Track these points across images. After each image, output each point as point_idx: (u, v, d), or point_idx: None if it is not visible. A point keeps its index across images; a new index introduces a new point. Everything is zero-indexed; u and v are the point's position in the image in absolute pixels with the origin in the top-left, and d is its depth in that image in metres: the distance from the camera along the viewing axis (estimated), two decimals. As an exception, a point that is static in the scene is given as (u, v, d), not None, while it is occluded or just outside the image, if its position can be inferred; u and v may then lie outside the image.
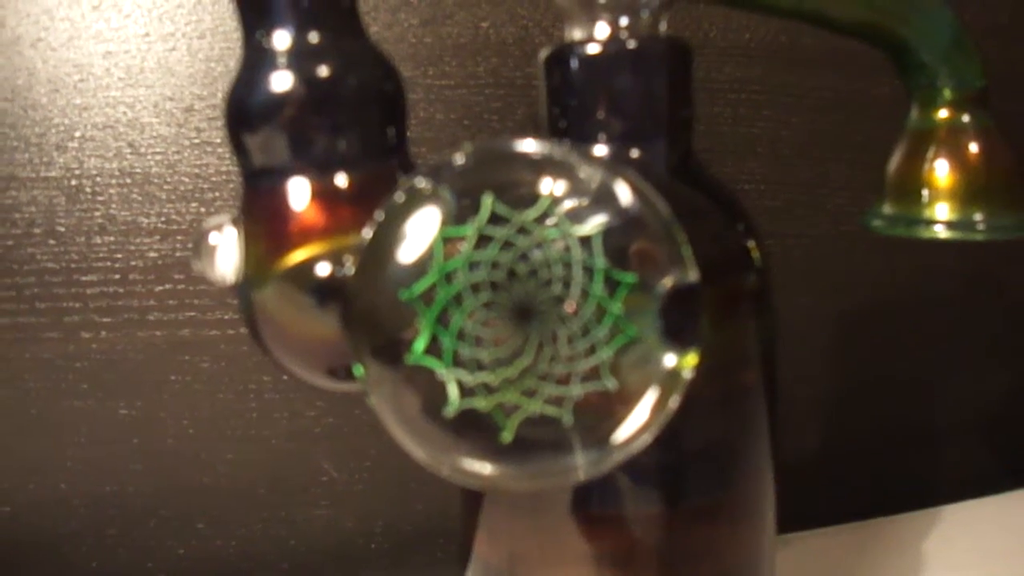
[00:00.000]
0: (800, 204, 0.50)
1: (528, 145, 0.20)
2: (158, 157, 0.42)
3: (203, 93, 0.42)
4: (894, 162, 0.31)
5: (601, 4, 0.25)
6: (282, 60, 0.21)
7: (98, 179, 0.41)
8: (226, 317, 0.43)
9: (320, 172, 0.22)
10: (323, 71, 0.21)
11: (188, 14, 0.41)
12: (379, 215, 0.20)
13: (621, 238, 0.19)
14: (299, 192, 0.22)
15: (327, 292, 0.21)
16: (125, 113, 0.41)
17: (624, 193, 0.20)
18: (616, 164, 0.20)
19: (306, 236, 0.22)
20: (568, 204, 0.19)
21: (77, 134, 0.41)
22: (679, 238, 0.20)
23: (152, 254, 0.42)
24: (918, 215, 0.30)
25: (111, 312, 0.42)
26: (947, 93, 0.29)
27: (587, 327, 0.19)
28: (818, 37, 0.48)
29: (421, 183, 0.20)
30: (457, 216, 0.19)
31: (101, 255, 0.42)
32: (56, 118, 0.40)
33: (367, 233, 0.20)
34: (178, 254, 0.42)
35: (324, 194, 0.22)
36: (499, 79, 0.45)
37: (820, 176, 0.49)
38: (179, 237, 0.42)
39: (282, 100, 0.21)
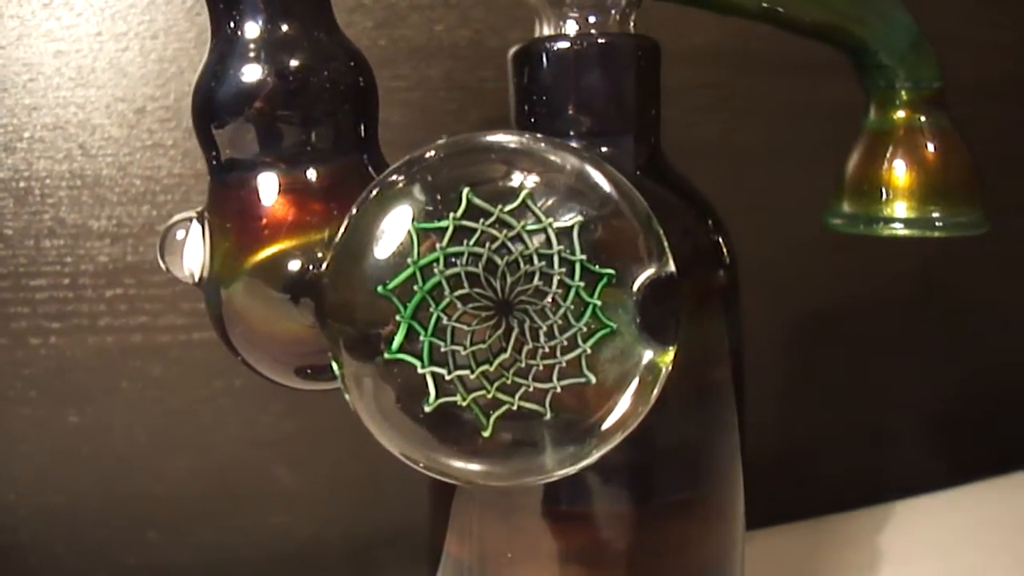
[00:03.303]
0: (753, 208, 0.50)
1: (502, 137, 0.20)
2: (109, 159, 0.41)
3: (156, 94, 0.41)
4: (852, 162, 0.31)
5: (569, 2, 0.25)
6: (252, 51, 0.21)
7: (47, 181, 0.40)
8: (178, 322, 0.43)
9: (290, 166, 0.22)
10: (294, 63, 0.21)
11: (141, 13, 0.40)
12: (353, 210, 0.20)
13: (599, 230, 0.19)
14: (268, 186, 0.21)
15: (298, 288, 0.21)
16: (76, 114, 0.40)
17: (602, 184, 0.19)
18: (592, 154, 0.20)
19: (275, 231, 0.21)
20: (545, 196, 0.19)
21: (26, 135, 0.40)
22: (657, 230, 0.20)
23: (103, 258, 0.41)
24: (877, 213, 0.30)
25: (60, 317, 0.41)
26: (905, 94, 0.30)
27: (567, 321, 0.19)
28: (769, 41, 0.49)
29: (394, 177, 0.20)
30: (433, 210, 0.19)
31: (50, 259, 0.41)
32: (4, 118, 0.39)
33: (342, 228, 0.20)
34: (129, 258, 0.41)
35: (294, 188, 0.22)
36: (453, 82, 0.45)
37: (772, 180, 0.50)
38: (130, 240, 0.41)
39: (252, 92, 0.21)
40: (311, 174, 0.22)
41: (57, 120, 0.40)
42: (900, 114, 0.30)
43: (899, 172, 0.30)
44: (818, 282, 0.52)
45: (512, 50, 0.25)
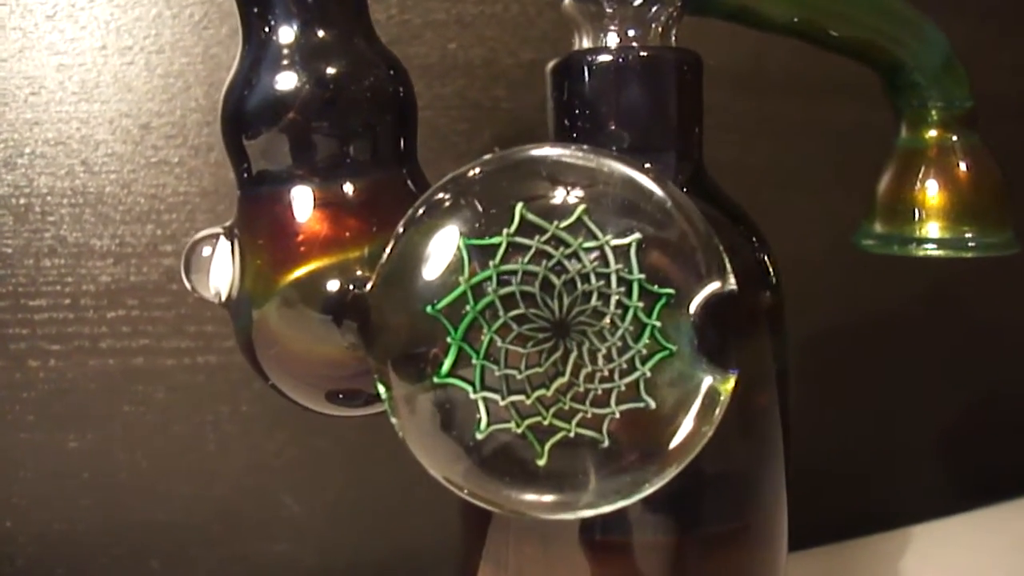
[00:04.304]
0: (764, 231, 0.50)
1: (551, 150, 0.19)
2: (112, 176, 0.40)
3: (161, 110, 0.40)
4: (884, 181, 0.31)
5: (609, 14, 0.24)
6: (287, 57, 0.20)
7: (48, 198, 0.39)
8: (182, 345, 0.41)
9: (325, 179, 0.21)
10: (331, 70, 0.20)
11: (147, 27, 0.39)
12: (400, 229, 0.19)
13: (657, 247, 0.18)
14: (303, 201, 0.20)
15: (339, 308, 0.20)
16: (78, 129, 0.39)
17: (659, 197, 0.19)
18: (646, 167, 0.19)
19: (311, 248, 0.20)
20: (600, 211, 0.18)
21: (27, 150, 0.39)
22: (717, 245, 0.19)
23: (105, 278, 0.40)
24: (911, 234, 0.30)
25: (60, 339, 0.40)
26: (937, 113, 0.29)
27: (625, 343, 0.18)
28: (782, 63, 0.48)
29: (441, 195, 0.19)
30: (483, 227, 0.18)
31: (51, 279, 0.39)
32: (5, 133, 0.38)
33: (388, 247, 0.18)
34: (132, 278, 0.40)
35: (330, 203, 0.20)
36: (465, 101, 0.44)
37: (782, 202, 0.49)
38: (133, 260, 0.40)
39: (286, 100, 0.20)
40: (348, 188, 0.21)
41: (59, 135, 0.39)
42: (932, 133, 0.30)
43: (932, 192, 0.29)
44: (828, 304, 0.52)
45: (551, 63, 0.25)
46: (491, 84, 0.44)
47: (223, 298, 0.21)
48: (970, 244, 0.29)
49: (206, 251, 0.21)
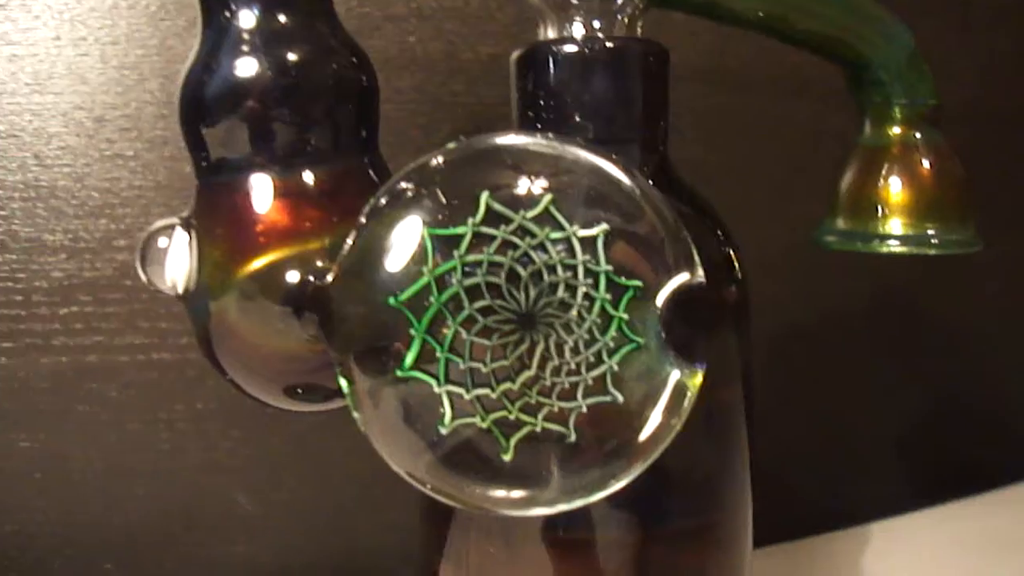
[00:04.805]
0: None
1: (516, 139, 0.19)
2: (66, 170, 0.39)
3: (115, 102, 0.39)
4: (846, 178, 0.31)
5: (575, 5, 0.24)
6: (247, 43, 0.19)
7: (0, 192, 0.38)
8: (137, 341, 0.40)
9: (285, 168, 0.20)
10: (293, 56, 0.20)
11: (101, 18, 0.38)
12: (362, 219, 0.18)
13: (624, 238, 0.18)
14: (262, 190, 0.20)
15: (300, 300, 0.19)
16: (31, 122, 0.38)
17: (626, 187, 0.18)
18: (613, 155, 0.19)
19: (270, 239, 0.20)
20: (567, 201, 0.18)
21: (-23, 143, 0.38)
22: (685, 236, 0.18)
23: (57, 274, 0.39)
24: (873, 230, 0.30)
25: (12, 336, 0.39)
26: (901, 110, 0.30)
27: (592, 335, 0.18)
28: (742, 60, 0.49)
29: (404, 184, 0.18)
30: (447, 217, 0.18)
31: (2, 275, 0.38)
32: (-46, 125, 0.37)
33: (350, 238, 0.18)
34: (86, 274, 0.39)
35: (290, 193, 0.20)
36: (424, 95, 0.43)
37: (741, 200, 0.49)
38: (87, 256, 0.39)
39: (247, 87, 0.19)
40: (308, 177, 0.20)
41: (11, 128, 0.38)
42: (896, 130, 0.30)
43: (895, 189, 0.29)
44: (786, 303, 0.52)
45: (516, 54, 0.24)
46: (450, 78, 0.43)
47: (180, 291, 0.21)
48: (933, 241, 0.29)
49: (162, 242, 0.21)
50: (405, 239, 0.18)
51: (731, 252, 0.25)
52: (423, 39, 0.43)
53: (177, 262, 0.21)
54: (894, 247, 0.29)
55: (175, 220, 0.21)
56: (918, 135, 0.29)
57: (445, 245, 0.18)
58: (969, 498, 0.52)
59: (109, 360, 0.40)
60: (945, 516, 0.50)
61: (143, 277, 0.21)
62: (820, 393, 0.54)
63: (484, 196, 0.18)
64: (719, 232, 0.25)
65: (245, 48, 0.19)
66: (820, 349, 0.54)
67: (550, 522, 0.23)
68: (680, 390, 0.18)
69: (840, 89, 0.30)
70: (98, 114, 0.39)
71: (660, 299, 0.18)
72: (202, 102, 0.20)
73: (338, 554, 0.45)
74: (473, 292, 0.18)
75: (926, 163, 0.29)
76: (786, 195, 0.48)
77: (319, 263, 0.19)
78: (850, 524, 0.50)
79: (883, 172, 0.30)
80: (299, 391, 0.21)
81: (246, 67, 0.19)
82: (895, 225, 0.29)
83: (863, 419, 0.56)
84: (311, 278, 0.19)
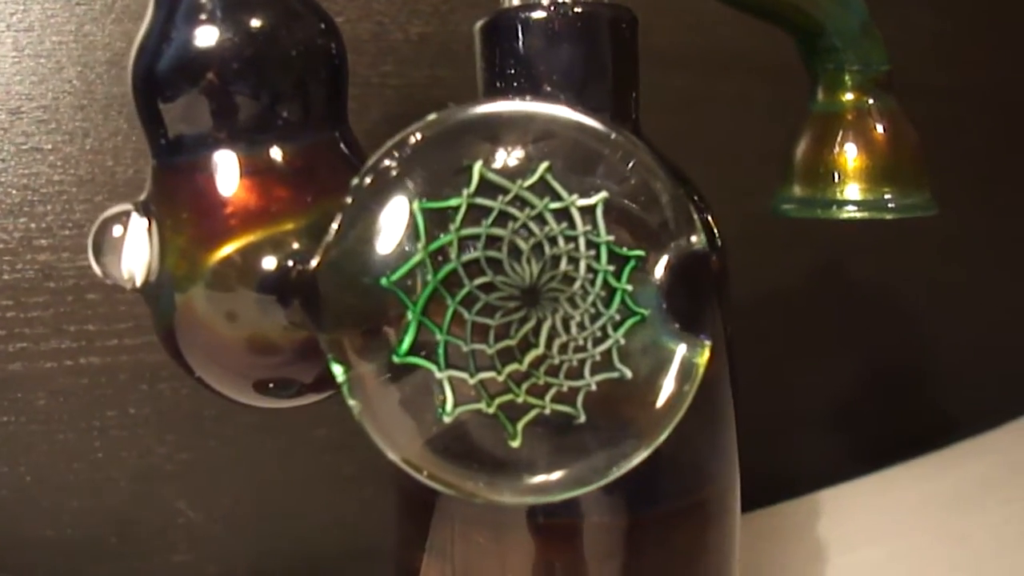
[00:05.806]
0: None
1: (502, 106, 0.18)
2: (-21, 166, 0.36)
3: (32, 93, 0.37)
4: (801, 145, 0.31)
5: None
6: (206, 9, 0.18)
7: (-93, 191, 0.35)
8: (63, 346, 0.38)
9: (251, 144, 0.18)
10: (256, 23, 0.18)
11: (14, 4, 0.36)
12: (348, 199, 0.17)
13: (623, 205, 0.17)
14: (227, 168, 0.18)
15: (280, 287, 0.18)
16: (-61, 115, 0.35)
17: (618, 143, 0.17)
18: (612, 122, 0.18)
19: (238, 222, 0.18)
20: (561, 168, 0.17)
21: None
22: (685, 200, 0.17)
23: (-26, 277, 0.37)
24: (831, 196, 0.30)
25: (-73, 345, 0.36)
26: (853, 77, 0.29)
27: (597, 309, 0.17)
28: (672, 35, 0.48)
29: (387, 162, 0.17)
30: (439, 190, 0.17)
31: (-87, 279, 0.36)
32: None
33: (336, 220, 0.17)
34: (6, 277, 0.37)
35: (258, 170, 0.18)
36: (354, 77, 0.41)
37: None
38: (6, 257, 0.37)
39: (207, 58, 0.18)
40: (276, 153, 0.19)
41: (-83, 122, 0.35)
42: (849, 96, 0.30)
43: (851, 155, 0.29)
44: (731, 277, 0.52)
45: (480, 22, 0.23)
46: (379, 60, 0.42)
47: (138, 283, 0.19)
48: (890, 205, 0.29)
49: (117, 230, 0.19)
50: (395, 216, 0.16)
51: (709, 218, 0.24)
52: (351, 19, 0.41)
53: (134, 252, 0.19)
54: (852, 212, 0.29)
55: (128, 206, 0.19)
56: (871, 101, 0.29)
57: (438, 220, 0.16)
58: (908, 462, 0.53)
59: (35, 367, 0.38)
60: (889, 480, 0.51)
61: (96, 270, 0.19)
62: (751, 364, 0.54)
63: (477, 166, 0.17)
64: (696, 197, 0.24)
65: (203, 16, 0.18)
66: (760, 321, 0.54)
67: (540, 508, 0.22)
68: (686, 363, 0.17)
69: (795, 64, 0.30)
70: (13, 106, 0.36)
71: (659, 268, 0.17)
72: (158, 75, 0.18)
73: (283, 558, 0.44)
74: (472, 268, 0.16)
75: (880, 128, 0.29)
76: (721, 169, 0.48)
77: (296, 245, 0.18)
78: (795, 495, 0.51)
79: (838, 138, 0.30)
80: (271, 386, 0.20)
81: (205, 36, 0.18)
82: (852, 191, 0.29)
83: (804, 390, 0.56)
84: (291, 263, 0.18)
